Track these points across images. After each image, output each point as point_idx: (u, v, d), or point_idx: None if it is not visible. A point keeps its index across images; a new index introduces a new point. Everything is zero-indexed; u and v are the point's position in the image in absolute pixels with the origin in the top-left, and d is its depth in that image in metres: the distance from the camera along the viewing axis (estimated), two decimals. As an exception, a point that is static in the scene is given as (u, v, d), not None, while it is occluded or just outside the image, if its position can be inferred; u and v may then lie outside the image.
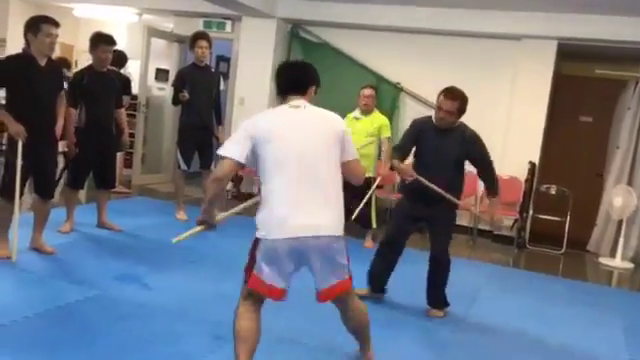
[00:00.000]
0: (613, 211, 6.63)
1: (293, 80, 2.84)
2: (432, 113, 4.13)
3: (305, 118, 2.75)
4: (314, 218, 2.62)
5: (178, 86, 6.15)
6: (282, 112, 2.79)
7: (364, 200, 4.43)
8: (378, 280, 4.30)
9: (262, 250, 2.65)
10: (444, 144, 3.98)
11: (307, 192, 2.63)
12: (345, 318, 2.96)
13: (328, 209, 2.67)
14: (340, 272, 2.75)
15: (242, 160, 2.68)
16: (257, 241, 2.69)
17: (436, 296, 4.19)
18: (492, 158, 4.11)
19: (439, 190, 3.92)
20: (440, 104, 3.94)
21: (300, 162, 2.63)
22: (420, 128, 4.11)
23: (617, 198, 6.57)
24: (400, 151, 4.14)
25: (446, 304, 4.20)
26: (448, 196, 3.94)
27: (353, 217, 4.87)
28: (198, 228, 2.86)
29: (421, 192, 3.99)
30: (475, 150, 4.02)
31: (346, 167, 2.79)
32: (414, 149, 4.16)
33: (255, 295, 2.72)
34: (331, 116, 2.83)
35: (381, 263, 4.28)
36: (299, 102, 2.78)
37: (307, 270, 2.72)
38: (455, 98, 3.91)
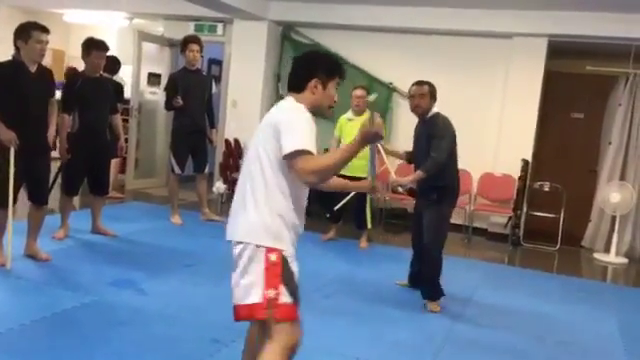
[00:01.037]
0: (609, 207, 6.65)
1: (291, 76, 2.47)
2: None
3: (266, 116, 2.41)
4: (234, 222, 2.34)
5: (170, 91, 6.14)
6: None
7: (346, 198, 4.42)
8: (411, 273, 4.62)
9: None
10: (422, 134, 4.31)
11: (241, 194, 2.35)
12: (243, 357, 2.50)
13: (248, 212, 2.28)
14: (248, 289, 2.24)
15: None
16: None
17: (425, 287, 4.31)
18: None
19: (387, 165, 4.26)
20: (411, 92, 4.30)
21: (245, 165, 2.40)
22: (415, 128, 4.48)
23: (614, 194, 6.60)
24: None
25: (439, 294, 4.28)
26: (394, 176, 4.29)
27: (335, 208, 4.87)
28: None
29: (419, 187, 4.27)
30: (433, 141, 4.17)
31: (288, 166, 2.23)
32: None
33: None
34: (277, 109, 2.38)
35: (412, 258, 4.59)
36: (282, 101, 2.44)
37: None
38: (423, 83, 4.28)
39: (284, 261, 2.27)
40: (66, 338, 3.25)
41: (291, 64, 2.55)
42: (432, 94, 4.26)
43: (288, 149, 2.18)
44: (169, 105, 6.17)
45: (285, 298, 2.24)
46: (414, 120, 4.48)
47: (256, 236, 2.26)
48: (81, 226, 5.40)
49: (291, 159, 2.19)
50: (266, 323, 2.26)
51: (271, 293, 2.22)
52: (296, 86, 2.42)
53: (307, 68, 2.42)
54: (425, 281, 4.29)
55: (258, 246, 2.25)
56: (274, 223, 2.27)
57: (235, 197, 2.39)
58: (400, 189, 4.13)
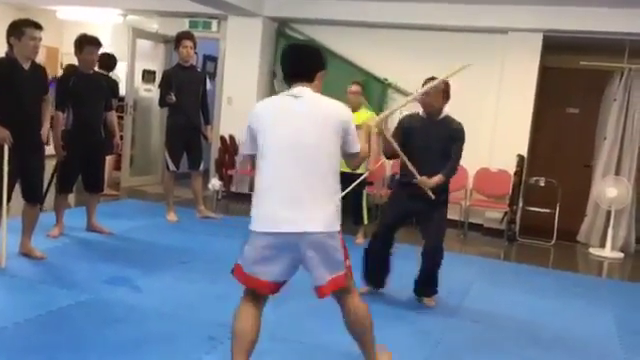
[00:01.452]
0: (605, 202, 6.66)
1: (298, 65, 2.67)
2: (419, 109, 4.23)
3: (305, 107, 2.59)
4: (305, 213, 2.52)
5: (164, 87, 6.12)
6: (281, 100, 2.67)
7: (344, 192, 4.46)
8: (374, 276, 4.32)
9: (251, 243, 2.60)
10: (433, 134, 4.09)
11: (299, 186, 2.53)
12: (347, 322, 2.79)
13: (320, 204, 2.55)
14: (335, 268, 2.62)
15: (255, 153, 2.67)
16: (250, 233, 2.63)
17: (428, 287, 4.28)
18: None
19: (412, 169, 3.97)
20: (426, 89, 4.00)
21: (293, 154, 2.54)
22: (406, 125, 4.20)
23: (611, 189, 6.61)
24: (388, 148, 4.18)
25: (436, 291, 4.30)
26: (418, 176, 3.99)
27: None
28: None
29: (409, 185, 4.07)
30: (453, 141, 4.11)
31: (349, 158, 2.76)
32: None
33: (251, 291, 2.66)
34: (334, 105, 2.66)
35: (374, 258, 4.28)
36: (301, 90, 2.63)
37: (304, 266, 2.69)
38: (433, 79, 4.03)
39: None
40: (61, 336, 3.24)
41: (292, 52, 2.73)
42: (446, 92, 4.10)
43: (357, 149, 2.73)
44: (163, 102, 6.16)
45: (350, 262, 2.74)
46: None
47: (335, 224, 2.62)
48: (76, 224, 5.38)
49: (356, 155, 2.74)
50: (346, 287, 2.71)
51: (349, 262, 2.71)
52: (306, 75, 2.67)
53: (318, 61, 2.72)
54: (428, 279, 4.25)
55: (337, 231, 2.63)
56: (338, 210, 2.64)
57: (291, 189, 2.54)
58: (430, 193, 3.99)
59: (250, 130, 2.66)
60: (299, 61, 2.68)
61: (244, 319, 2.66)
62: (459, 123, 4.16)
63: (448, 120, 4.15)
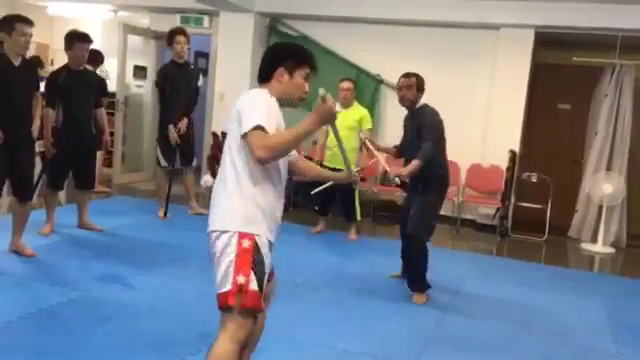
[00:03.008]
0: (600, 198, 6.67)
1: (259, 70, 2.48)
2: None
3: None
4: (211, 212, 2.35)
5: (161, 84, 6.07)
6: None
7: (325, 185, 4.45)
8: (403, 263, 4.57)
9: None
10: (410, 126, 4.37)
11: (216, 185, 2.39)
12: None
13: (219, 201, 2.32)
14: (221, 280, 2.23)
15: None
16: None
17: (411, 277, 4.33)
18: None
19: (379, 158, 4.24)
20: (399, 84, 4.34)
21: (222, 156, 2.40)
22: (404, 120, 4.51)
23: (607, 185, 6.63)
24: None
25: (425, 287, 4.28)
26: (387, 168, 4.15)
27: (313, 192, 4.79)
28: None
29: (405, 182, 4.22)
30: (424, 133, 4.19)
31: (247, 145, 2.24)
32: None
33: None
34: (241, 96, 2.36)
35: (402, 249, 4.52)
36: (249, 90, 2.45)
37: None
38: (410, 75, 4.32)
39: (256, 247, 2.25)
40: (52, 334, 3.22)
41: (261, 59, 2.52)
42: (419, 86, 4.29)
43: (245, 128, 2.20)
44: (163, 98, 6.10)
45: (253, 285, 2.21)
46: (402, 111, 4.48)
47: (230, 222, 2.25)
48: (67, 221, 5.35)
49: (246, 137, 2.20)
50: (229, 310, 2.21)
51: (241, 279, 2.20)
52: (263, 76, 2.43)
53: (274, 57, 2.44)
54: (410, 270, 4.32)
55: (231, 232, 2.24)
56: (246, 208, 2.26)
57: (213, 189, 2.41)
58: (396, 180, 4.02)
59: None
60: (260, 64, 2.48)
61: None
62: (430, 111, 4.27)
63: (420, 110, 4.30)
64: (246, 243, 2.23)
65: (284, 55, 2.43)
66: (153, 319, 3.53)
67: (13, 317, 3.36)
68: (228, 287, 2.20)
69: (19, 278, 4.04)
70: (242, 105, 2.29)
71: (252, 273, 2.21)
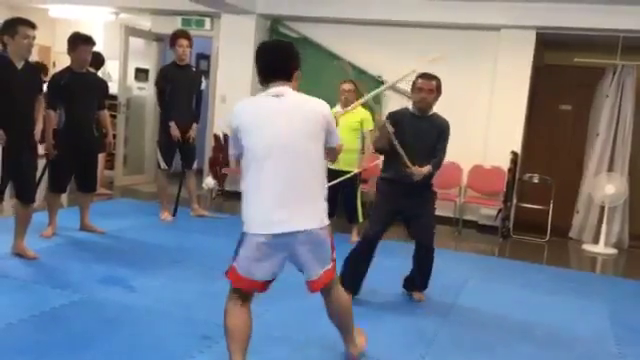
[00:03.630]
0: (602, 198, 6.66)
1: (276, 64, 2.65)
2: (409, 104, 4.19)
3: (288, 107, 2.61)
4: (297, 212, 2.58)
5: (162, 85, 6.08)
6: (262, 101, 2.66)
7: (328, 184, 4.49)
8: (354, 281, 4.02)
9: (246, 245, 2.61)
10: (423, 130, 4.07)
11: (290, 186, 2.57)
12: (330, 310, 2.92)
13: (311, 201, 2.64)
14: (325, 262, 2.73)
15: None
16: (243, 236, 2.65)
17: (423, 282, 4.30)
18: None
19: (406, 160, 3.91)
20: (420, 85, 4.05)
21: (281, 154, 2.55)
22: (396, 119, 4.12)
23: (609, 186, 6.62)
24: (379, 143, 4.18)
25: (427, 285, 4.32)
26: (411, 166, 3.94)
27: None
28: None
29: (403, 183, 4.01)
30: (442, 138, 4.12)
31: (327, 152, 2.77)
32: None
33: (239, 290, 2.69)
34: (315, 102, 2.69)
35: (361, 263, 4.08)
36: (281, 90, 2.63)
37: (295, 263, 2.71)
38: (432, 77, 4.08)
39: None
40: (55, 336, 3.22)
41: (270, 50, 2.70)
42: (439, 88, 4.10)
43: (336, 142, 2.78)
44: (161, 99, 6.11)
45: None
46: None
47: (325, 219, 2.71)
48: (69, 224, 5.36)
49: (335, 147, 2.79)
50: (334, 280, 2.84)
51: (334, 255, 2.80)
52: (286, 74, 2.66)
53: (294, 59, 2.70)
54: (424, 275, 4.27)
55: (327, 226, 2.71)
56: (326, 204, 2.73)
57: (283, 190, 2.57)
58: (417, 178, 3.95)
59: (233, 130, 2.67)
60: (278, 59, 2.67)
61: (236, 316, 2.67)
62: (446, 119, 4.19)
63: (436, 116, 4.16)
64: (329, 231, 2.74)
65: (299, 59, 2.74)
66: (155, 321, 3.53)
67: (15, 319, 3.37)
68: (330, 265, 2.76)
69: (21, 280, 4.04)
70: (330, 117, 2.71)
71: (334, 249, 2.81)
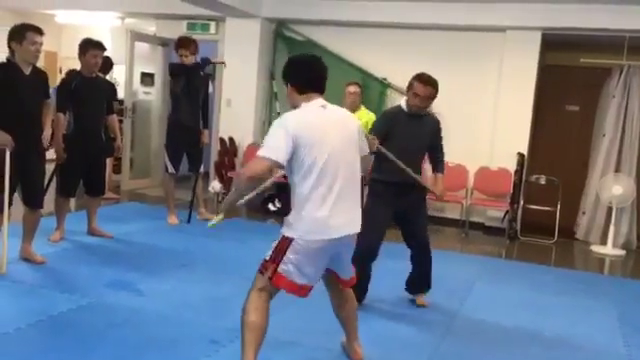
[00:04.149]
0: (610, 199, 6.63)
1: (322, 78, 2.84)
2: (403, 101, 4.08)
3: (333, 119, 2.81)
4: (351, 217, 2.82)
5: (176, 74, 6.09)
6: (317, 113, 2.77)
7: None
8: (363, 288, 3.92)
9: (298, 251, 2.68)
10: (417, 130, 4.03)
11: (345, 193, 2.75)
12: (340, 306, 3.10)
13: (356, 207, 2.87)
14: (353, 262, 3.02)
15: (284, 163, 2.64)
16: (290, 241, 2.69)
17: (424, 282, 4.25)
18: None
19: (404, 167, 3.90)
20: (416, 90, 3.92)
21: (339, 164, 2.73)
22: (391, 117, 4.10)
23: (617, 187, 6.59)
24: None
25: (429, 287, 4.27)
26: (417, 177, 4.00)
27: None
28: (220, 216, 2.87)
29: (396, 184, 3.96)
30: (439, 137, 4.18)
31: (365, 160, 3.04)
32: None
33: (272, 290, 2.77)
34: (348, 114, 2.99)
35: (365, 270, 3.92)
36: (321, 101, 2.81)
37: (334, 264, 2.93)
38: (428, 83, 3.93)
39: None
40: (63, 341, 3.23)
41: (320, 66, 2.86)
42: (436, 95, 4.01)
43: (367, 151, 3.05)
44: (176, 87, 6.12)
45: None
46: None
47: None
48: (77, 228, 5.37)
49: (367, 157, 3.06)
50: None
51: None
52: (323, 88, 2.84)
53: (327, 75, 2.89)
54: (423, 276, 4.24)
55: None
56: None
57: (339, 197, 2.72)
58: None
59: (293, 138, 2.62)
60: (323, 74, 2.84)
61: (261, 314, 2.73)
62: (436, 117, 4.24)
63: (430, 115, 4.18)
64: None
65: None
66: (163, 325, 3.54)
67: (23, 324, 3.38)
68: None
69: (29, 285, 4.05)
70: (361, 128, 2.99)
71: None
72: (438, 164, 4.23)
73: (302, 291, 2.79)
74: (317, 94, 2.80)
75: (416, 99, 3.92)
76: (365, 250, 3.59)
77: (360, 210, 2.90)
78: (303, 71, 2.83)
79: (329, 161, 2.69)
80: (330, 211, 2.70)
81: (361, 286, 3.83)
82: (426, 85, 3.91)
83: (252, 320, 2.70)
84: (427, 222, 4.22)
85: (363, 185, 5.83)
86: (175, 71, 6.14)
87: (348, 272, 3.01)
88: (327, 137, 2.71)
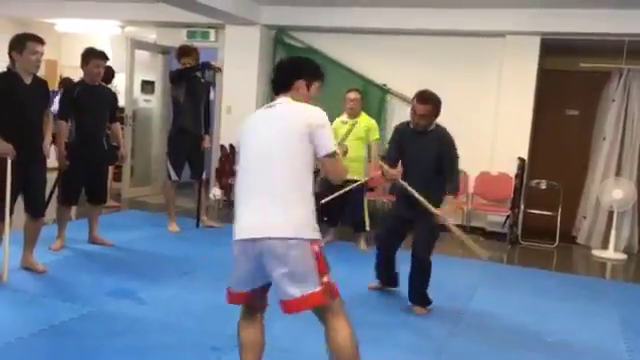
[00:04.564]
0: (610, 203, 6.63)
1: (276, 79, 2.72)
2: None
3: (274, 116, 2.60)
4: (266, 219, 2.45)
5: (177, 79, 6.09)
6: (261, 112, 2.71)
7: (335, 194, 4.55)
8: (381, 273, 4.51)
9: (232, 253, 2.59)
10: (422, 146, 4.10)
11: (262, 193, 2.48)
12: (326, 336, 2.54)
13: (284, 209, 2.45)
14: (304, 284, 2.43)
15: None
16: None
17: (416, 295, 4.25)
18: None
19: (418, 196, 3.96)
20: (414, 108, 4.07)
21: (258, 161, 2.53)
22: (401, 133, 4.25)
23: (617, 190, 6.59)
24: (389, 159, 4.25)
25: (428, 302, 4.24)
26: (429, 205, 3.97)
27: (322, 202, 4.79)
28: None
29: (405, 194, 4.07)
30: (445, 152, 4.11)
31: (322, 163, 2.62)
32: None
33: (243, 304, 2.68)
34: (304, 110, 2.58)
35: (380, 257, 4.45)
36: (278, 100, 2.67)
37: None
38: (426, 101, 4.02)
39: (323, 249, 2.53)
40: (65, 350, 3.23)
41: (276, 68, 2.79)
42: (436, 112, 4.06)
43: (329, 149, 2.53)
44: (177, 77, 6.10)
45: (333, 278, 2.54)
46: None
47: (305, 231, 2.46)
48: (78, 236, 5.37)
49: (327, 157, 2.54)
50: (326, 306, 2.49)
51: (326, 278, 2.49)
52: (283, 86, 2.67)
53: (293, 70, 2.71)
54: (417, 287, 4.22)
55: (305, 239, 2.45)
56: (312, 216, 2.52)
57: (250, 196, 2.52)
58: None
59: (238, 142, 2.73)
60: (277, 74, 2.74)
61: (246, 329, 2.66)
62: (448, 134, 4.15)
63: (437, 131, 4.13)
64: (317, 247, 2.49)
65: (307, 69, 2.72)
66: (165, 333, 3.53)
67: (25, 334, 3.37)
68: (316, 289, 2.45)
69: (31, 294, 4.05)
70: (318, 121, 2.53)
71: (329, 270, 2.52)
72: (449, 185, 4.11)
73: (230, 297, 2.62)
74: (281, 95, 2.67)
75: (415, 117, 4.07)
76: (376, 239, 4.52)
77: (293, 214, 2.45)
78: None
79: (249, 158, 2.56)
80: (241, 210, 2.52)
81: (378, 270, 4.51)
82: (424, 103, 4.00)
83: (240, 337, 2.66)
84: (428, 239, 4.17)
85: (364, 190, 5.86)
86: (175, 77, 6.15)
87: (284, 292, 2.44)
88: (256, 134, 2.58)
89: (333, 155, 2.55)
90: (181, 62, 6.12)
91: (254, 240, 2.44)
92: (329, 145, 2.52)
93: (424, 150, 4.09)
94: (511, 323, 4.17)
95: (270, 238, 2.42)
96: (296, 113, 2.57)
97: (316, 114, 2.55)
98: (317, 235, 2.51)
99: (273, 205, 2.46)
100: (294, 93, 2.65)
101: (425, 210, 4.01)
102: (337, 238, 6.16)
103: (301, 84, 2.66)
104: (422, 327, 3.96)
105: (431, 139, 4.09)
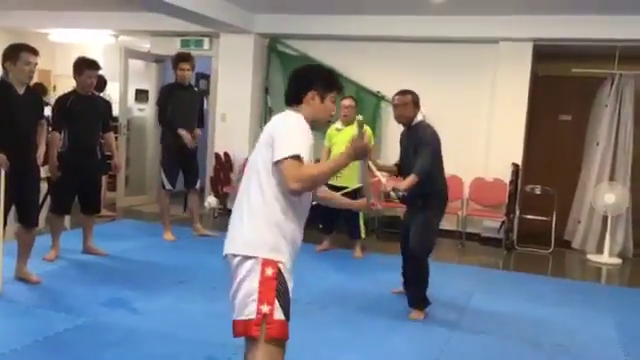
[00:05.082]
0: (603, 208, 6.64)
1: (286, 91, 2.49)
2: None
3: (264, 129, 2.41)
4: (229, 234, 2.33)
5: (164, 103, 6.11)
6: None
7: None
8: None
9: None
10: (409, 142, 4.30)
11: (237, 207, 2.34)
12: None
13: (239, 224, 2.29)
14: (242, 308, 2.21)
15: None
16: None
17: (410, 295, 4.28)
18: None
19: (380, 177, 3.81)
20: (394, 102, 4.33)
21: (244, 177, 2.39)
22: (401, 136, 4.47)
23: (609, 195, 6.61)
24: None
25: (425, 304, 4.24)
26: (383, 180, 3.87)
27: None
28: None
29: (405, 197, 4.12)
30: (420, 141, 4.18)
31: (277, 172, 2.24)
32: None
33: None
34: (275, 119, 2.38)
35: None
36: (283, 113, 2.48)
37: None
38: (403, 93, 4.30)
39: (280, 275, 2.22)
40: (60, 361, 3.20)
41: (288, 82, 2.52)
42: (415, 103, 4.27)
43: (279, 156, 2.18)
44: (163, 117, 6.13)
45: (279, 314, 2.19)
46: (401, 128, 4.48)
47: (255, 249, 2.22)
48: (72, 246, 5.35)
49: (280, 165, 2.18)
50: (255, 340, 2.19)
51: (265, 308, 2.17)
52: (293, 100, 2.42)
53: (300, 83, 2.44)
54: (410, 288, 4.28)
55: (254, 258, 2.20)
56: (271, 234, 2.24)
57: (233, 211, 2.38)
58: (394, 195, 3.98)
59: None
60: (288, 85, 2.50)
61: None
62: (427, 127, 4.27)
63: (417, 127, 4.28)
64: (269, 271, 2.20)
65: (313, 78, 2.43)
66: (160, 343, 3.51)
67: (19, 345, 3.35)
68: (251, 316, 2.18)
69: (25, 305, 4.03)
70: (277, 129, 2.28)
71: (276, 302, 2.19)
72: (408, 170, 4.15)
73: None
74: (289, 107, 2.44)
75: (396, 109, 4.31)
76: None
77: (246, 229, 2.26)
78: None
79: (245, 174, 2.39)
80: (228, 226, 2.37)
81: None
82: (400, 94, 4.29)
83: None
84: (420, 233, 4.17)
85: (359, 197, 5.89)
86: (162, 97, 6.18)
87: (234, 310, 2.25)
88: (254, 149, 2.39)
89: (289, 159, 2.17)
90: (180, 67, 6.11)
91: (226, 255, 2.32)
92: (282, 150, 2.18)
93: (410, 145, 4.26)
94: (507, 328, 4.17)
95: (227, 255, 2.29)
96: (270, 123, 2.37)
97: (282, 121, 2.32)
98: (275, 256, 2.22)
99: (239, 220, 2.30)
100: (307, 107, 2.39)
101: (415, 207, 4.19)
102: (333, 245, 6.15)
103: (313, 95, 2.39)
104: (419, 333, 3.96)
105: (413, 133, 4.27)
